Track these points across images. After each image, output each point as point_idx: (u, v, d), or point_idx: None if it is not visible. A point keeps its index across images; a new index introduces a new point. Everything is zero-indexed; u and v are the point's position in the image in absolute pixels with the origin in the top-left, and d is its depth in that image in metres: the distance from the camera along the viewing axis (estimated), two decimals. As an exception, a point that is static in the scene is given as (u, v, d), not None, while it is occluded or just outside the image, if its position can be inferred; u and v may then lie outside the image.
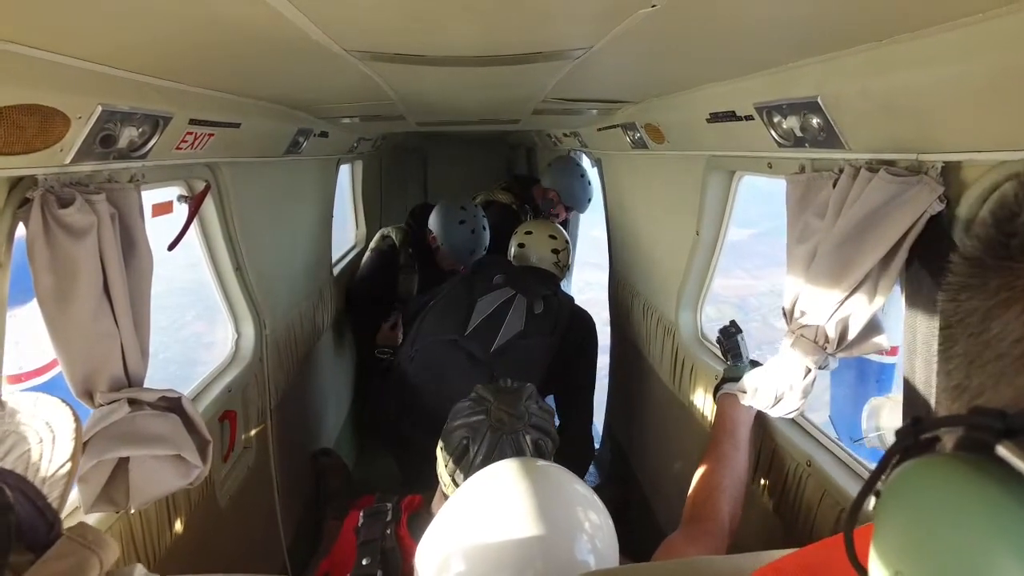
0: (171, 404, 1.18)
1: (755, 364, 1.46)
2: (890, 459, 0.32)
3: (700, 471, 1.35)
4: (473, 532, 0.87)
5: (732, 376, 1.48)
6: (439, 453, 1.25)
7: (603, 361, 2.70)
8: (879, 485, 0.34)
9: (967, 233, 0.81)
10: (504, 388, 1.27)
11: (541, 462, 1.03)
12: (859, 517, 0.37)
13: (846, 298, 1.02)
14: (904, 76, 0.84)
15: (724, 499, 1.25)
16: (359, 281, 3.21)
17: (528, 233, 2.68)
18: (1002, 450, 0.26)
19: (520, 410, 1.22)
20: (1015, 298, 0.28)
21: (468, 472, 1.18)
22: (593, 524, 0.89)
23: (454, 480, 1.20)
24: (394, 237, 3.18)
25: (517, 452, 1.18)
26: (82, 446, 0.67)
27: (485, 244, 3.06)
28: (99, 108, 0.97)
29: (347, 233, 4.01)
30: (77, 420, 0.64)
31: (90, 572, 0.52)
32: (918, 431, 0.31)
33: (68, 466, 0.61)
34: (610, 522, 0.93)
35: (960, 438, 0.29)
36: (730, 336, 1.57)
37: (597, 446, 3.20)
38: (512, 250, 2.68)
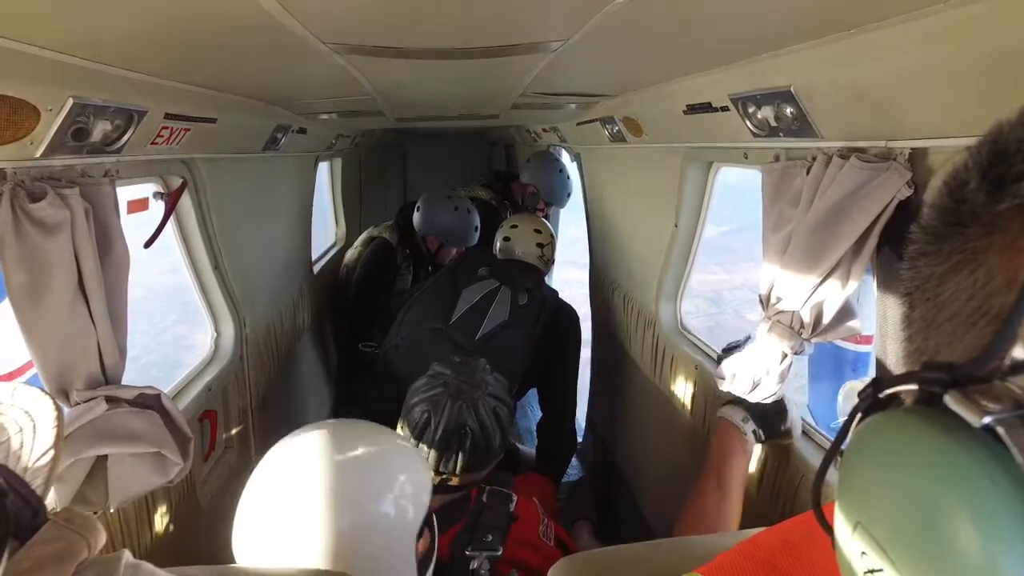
0: (150, 401, 1.16)
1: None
2: (852, 419, 0.34)
3: (685, 516, 1.27)
4: (268, 495, 0.93)
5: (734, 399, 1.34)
6: (399, 431, 1.28)
7: (585, 354, 2.72)
8: (844, 445, 0.35)
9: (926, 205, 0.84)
10: (459, 362, 1.33)
11: (348, 423, 1.09)
12: (825, 479, 0.39)
13: (820, 283, 1.04)
14: (872, 65, 0.86)
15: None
16: (361, 281, 3.15)
17: (514, 227, 2.70)
18: (948, 399, 0.27)
19: (478, 378, 1.28)
20: (966, 260, 0.29)
21: (431, 443, 1.26)
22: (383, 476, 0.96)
23: (429, 452, 1.23)
24: (388, 237, 3.16)
25: (477, 419, 1.24)
26: (64, 434, 0.66)
27: (478, 222, 3.16)
28: (70, 100, 0.96)
29: (327, 231, 3.98)
30: (58, 408, 0.64)
31: (78, 555, 0.52)
32: (877, 390, 0.32)
33: (51, 454, 0.61)
34: (416, 473, 0.99)
35: (915, 394, 0.30)
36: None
37: (580, 439, 3.22)
38: (497, 244, 2.70)
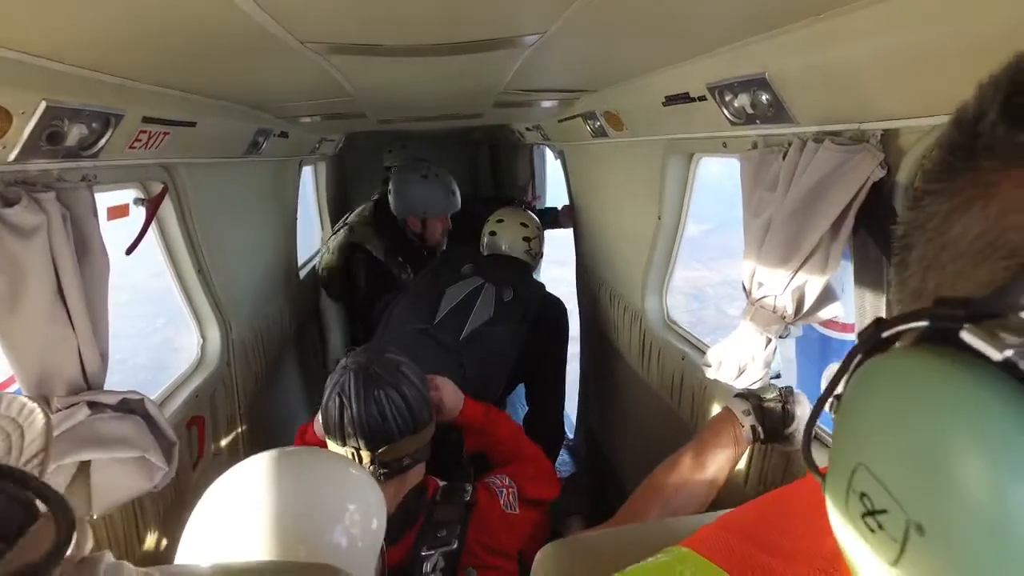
0: (133, 406, 1.15)
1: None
2: (852, 360, 0.32)
3: (655, 473, 1.24)
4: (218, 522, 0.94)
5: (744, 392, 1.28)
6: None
7: (574, 350, 2.72)
8: (839, 389, 0.34)
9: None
10: (374, 346, 1.36)
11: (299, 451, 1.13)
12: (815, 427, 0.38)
13: (800, 267, 1.06)
14: (842, 49, 0.88)
15: (657, 505, 1.17)
16: (366, 300, 2.94)
17: (499, 221, 2.67)
18: (966, 335, 0.26)
19: (371, 357, 1.29)
20: (977, 195, 0.29)
21: (324, 410, 1.30)
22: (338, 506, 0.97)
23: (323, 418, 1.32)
24: (371, 249, 2.99)
25: (355, 391, 1.25)
26: (53, 438, 0.65)
27: (454, 186, 3.07)
28: (43, 104, 0.95)
29: (312, 236, 3.97)
30: (47, 414, 0.63)
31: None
32: (880, 330, 0.31)
33: (40, 457, 0.60)
34: (364, 502, 1.00)
35: (922, 333, 0.29)
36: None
37: (571, 435, 3.22)
38: (484, 239, 2.68)
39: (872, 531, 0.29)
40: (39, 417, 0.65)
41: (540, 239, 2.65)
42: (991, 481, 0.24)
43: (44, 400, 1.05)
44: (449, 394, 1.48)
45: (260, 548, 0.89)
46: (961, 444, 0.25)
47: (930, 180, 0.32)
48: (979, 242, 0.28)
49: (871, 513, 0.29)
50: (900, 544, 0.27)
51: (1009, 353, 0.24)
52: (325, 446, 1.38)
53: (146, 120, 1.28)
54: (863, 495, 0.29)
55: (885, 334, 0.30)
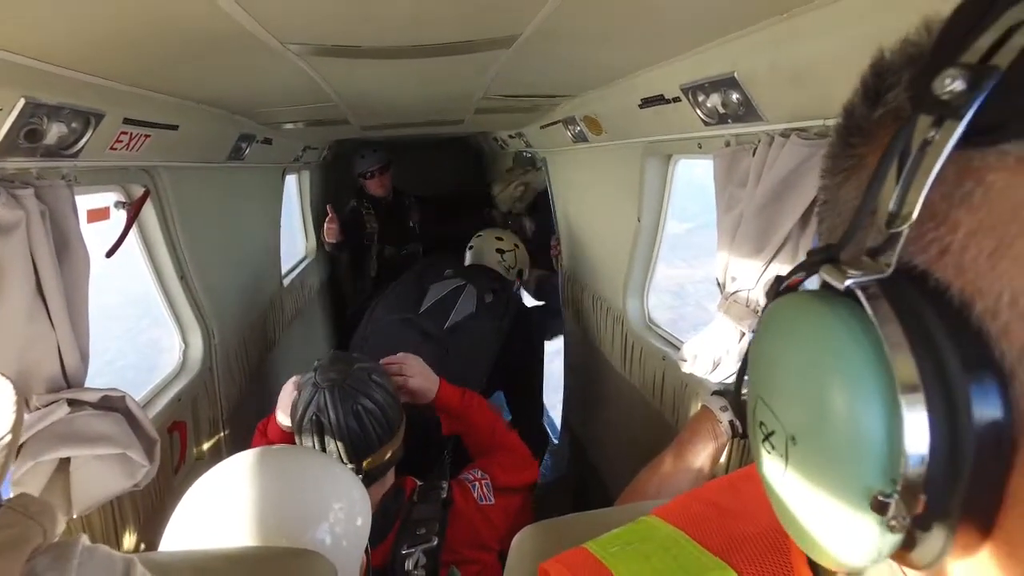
0: (114, 404, 1.15)
1: None
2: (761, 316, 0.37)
3: (638, 477, 1.28)
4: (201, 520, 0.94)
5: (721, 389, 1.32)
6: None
7: (557, 348, 2.76)
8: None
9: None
10: (340, 356, 1.35)
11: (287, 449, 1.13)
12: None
13: (771, 260, 1.09)
14: (805, 47, 0.91)
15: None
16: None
17: (478, 236, 2.85)
18: (823, 273, 0.30)
19: (341, 369, 1.29)
20: (853, 167, 0.34)
21: (298, 429, 1.30)
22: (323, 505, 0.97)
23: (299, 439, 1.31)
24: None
25: (332, 407, 1.25)
26: (23, 418, 0.65)
27: None
28: (22, 100, 0.95)
29: (296, 244, 3.97)
30: (18, 392, 0.63)
31: (32, 541, 0.52)
32: (778, 284, 0.36)
33: (8, 438, 0.60)
34: (349, 500, 1.00)
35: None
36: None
37: (555, 439, 3.24)
38: (467, 254, 2.82)
39: (768, 452, 0.33)
40: (9, 393, 0.65)
41: (516, 254, 2.74)
42: (833, 387, 0.28)
43: (23, 399, 1.05)
44: (416, 371, 1.49)
45: (243, 545, 0.89)
46: (812, 359, 0.30)
47: (825, 160, 0.37)
48: (853, 206, 0.33)
49: (767, 437, 0.33)
50: (784, 457, 0.32)
51: (850, 282, 0.29)
52: (291, 441, 1.39)
53: (127, 121, 1.29)
54: (761, 423, 0.34)
55: (781, 287, 0.36)
